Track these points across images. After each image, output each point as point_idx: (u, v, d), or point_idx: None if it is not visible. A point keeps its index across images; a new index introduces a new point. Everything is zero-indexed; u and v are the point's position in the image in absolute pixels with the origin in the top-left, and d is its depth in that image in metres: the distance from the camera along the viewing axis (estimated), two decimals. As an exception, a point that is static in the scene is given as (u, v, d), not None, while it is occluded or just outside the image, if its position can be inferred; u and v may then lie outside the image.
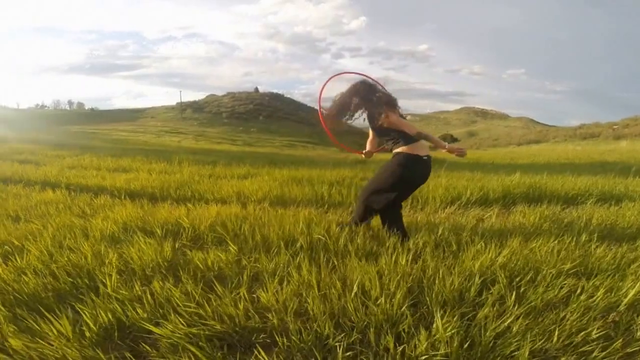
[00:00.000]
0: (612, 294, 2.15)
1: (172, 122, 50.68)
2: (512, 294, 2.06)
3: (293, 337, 1.63)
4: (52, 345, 1.63)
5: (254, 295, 2.01)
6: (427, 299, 1.96)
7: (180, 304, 1.87)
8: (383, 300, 1.84)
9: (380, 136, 3.08)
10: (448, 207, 4.47)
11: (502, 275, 2.26)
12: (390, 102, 2.98)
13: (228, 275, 2.27)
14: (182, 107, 62.48)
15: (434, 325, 1.73)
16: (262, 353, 1.53)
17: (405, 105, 3.16)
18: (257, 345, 1.62)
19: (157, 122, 50.52)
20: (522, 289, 2.18)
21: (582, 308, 2.00)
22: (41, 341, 1.66)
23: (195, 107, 63.20)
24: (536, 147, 31.17)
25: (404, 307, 1.81)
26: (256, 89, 78.26)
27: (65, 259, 2.48)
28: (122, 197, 4.70)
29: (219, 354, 1.58)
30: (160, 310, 1.83)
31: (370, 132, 3.18)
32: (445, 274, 2.21)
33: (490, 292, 2.11)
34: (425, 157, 2.88)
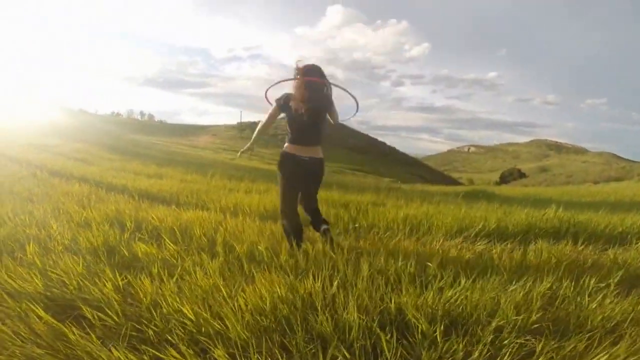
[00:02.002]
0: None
1: (231, 141, 53.62)
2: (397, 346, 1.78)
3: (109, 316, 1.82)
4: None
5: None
6: (297, 331, 1.83)
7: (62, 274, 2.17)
8: (242, 317, 1.87)
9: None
10: (451, 238, 4.05)
11: (422, 319, 1.97)
12: None
13: (145, 265, 2.51)
14: (242, 127, 66.11)
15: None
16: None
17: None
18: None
19: (217, 140, 53.65)
20: (442, 342, 1.84)
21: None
22: None
23: (254, 127, 66.22)
24: (615, 185, 27.60)
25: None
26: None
27: (27, 231, 2.91)
28: (135, 197, 5.16)
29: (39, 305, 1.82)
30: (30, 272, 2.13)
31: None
32: (353, 310, 1.97)
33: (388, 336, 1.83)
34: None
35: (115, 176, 7.75)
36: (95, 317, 1.76)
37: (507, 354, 1.80)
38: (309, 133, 3.06)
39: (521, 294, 2.33)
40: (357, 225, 4.64)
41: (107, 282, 2.05)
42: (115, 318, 1.78)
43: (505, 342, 1.89)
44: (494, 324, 1.99)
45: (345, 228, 4.53)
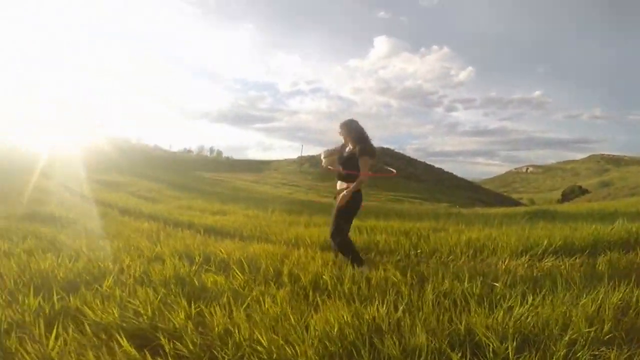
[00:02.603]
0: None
1: (290, 175, 55.09)
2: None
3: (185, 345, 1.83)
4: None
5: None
6: (364, 355, 1.83)
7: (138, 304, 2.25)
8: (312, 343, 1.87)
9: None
10: (517, 258, 3.92)
11: (493, 338, 1.95)
12: None
13: (215, 295, 2.56)
14: (302, 161, 67.84)
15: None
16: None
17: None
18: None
19: (278, 175, 55.33)
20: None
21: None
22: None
23: (313, 161, 67.81)
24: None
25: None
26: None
27: (101, 264, 3.12)
28: (201, 233, 5.39)
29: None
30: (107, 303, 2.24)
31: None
32: (420, 333, 1.98)
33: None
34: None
35: (182, 214, 8.16)
36: (171, 345, 1.79)
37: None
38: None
39: (593, 306, 2.29)
40: (419, 251, 4.51)
41: (180, 311, 2.10)
42: (190, 346, 1.81)
43: (579, 354, 1.87)
44: (566, 338, 1.98)
45: (407, 254, 4.41)
